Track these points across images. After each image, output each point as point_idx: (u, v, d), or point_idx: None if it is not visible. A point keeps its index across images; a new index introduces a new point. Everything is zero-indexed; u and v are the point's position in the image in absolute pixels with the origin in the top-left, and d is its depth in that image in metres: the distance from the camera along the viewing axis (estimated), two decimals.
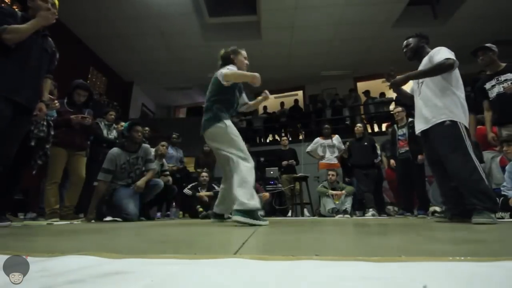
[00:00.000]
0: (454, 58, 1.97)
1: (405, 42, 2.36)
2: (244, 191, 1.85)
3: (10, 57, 1.83)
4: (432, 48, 2.17)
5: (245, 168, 1.92)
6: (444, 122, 1.97)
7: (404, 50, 2.35)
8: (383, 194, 5.04)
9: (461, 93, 2.04)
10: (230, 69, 2.10)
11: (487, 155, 3.24)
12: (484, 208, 1.76)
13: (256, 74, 2.01)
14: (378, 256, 0.55)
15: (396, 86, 2.20)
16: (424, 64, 2.16)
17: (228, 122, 2.07)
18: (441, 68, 1.97)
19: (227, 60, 2.25)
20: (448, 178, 2.04)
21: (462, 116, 1.98)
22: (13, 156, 1.95)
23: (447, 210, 2.18)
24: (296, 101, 8.93)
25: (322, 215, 4.38)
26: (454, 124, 1.95)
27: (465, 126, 1.97)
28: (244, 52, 2.32)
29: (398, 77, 2.14)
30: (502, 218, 2.63)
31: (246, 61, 2.31)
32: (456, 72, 2.04)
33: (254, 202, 1.84)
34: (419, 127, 2.18)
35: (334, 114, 8.32)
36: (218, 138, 2.07)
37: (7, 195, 2.19)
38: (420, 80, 2.16)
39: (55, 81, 3.02)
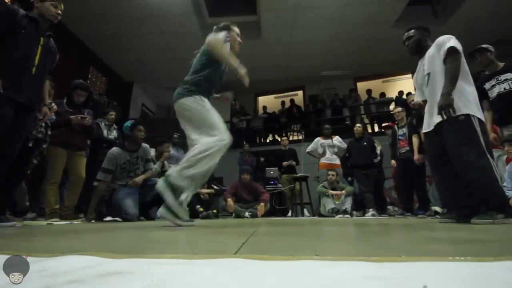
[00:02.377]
0: (460, 47, 1.90)
1: (405, 34, 2.23)
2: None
3: (12, 57, 1.83)
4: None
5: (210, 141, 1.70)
6: (458, 116, 1.84)
7: (406, 44, 2.21)
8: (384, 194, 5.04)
9: (471, 86, 1.94)
10: (219, 37, 1.81)
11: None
12: (490, 208, 1.73)
13: (243, 70, 1.82)
14: (378, 256, 0.55)
15: (449, 107, 1.83)
16: (430, 55, 2.04)
17: (206, 101, 1.84)
18: (455, 70, 1.87)
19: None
20: (450, 177, 1.97)
21: (475, 109, 1.87)
22: (16, 156, 1.96)
23: (452, 210, 2.13)
24: (292, 101, 8.94)
25: (322, 215, 4.39)
26: (467, 118, 1.84)
27: (479, 120, 1.85)
28: (236, 29, 2.09)
29: (442, 102, 1.85)
30: None
31: (239, 39, 2.09)
32: (464, 66, 1.95)
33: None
34: (426, 127, 2.07)
35: (334, 114, 8.33)
36: (187, 112, 1.82)
37: (7, 196, 2.20)
38: (426, 72, 2.06)
39: (53, 81, 3.02)
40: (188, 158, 1.69)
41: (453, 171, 1.94)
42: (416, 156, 3.55)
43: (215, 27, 2.09)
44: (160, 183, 1.68)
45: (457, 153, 1.85)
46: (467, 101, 1.88)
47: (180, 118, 1.89)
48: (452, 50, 1.89)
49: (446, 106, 1.82)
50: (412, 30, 2.19)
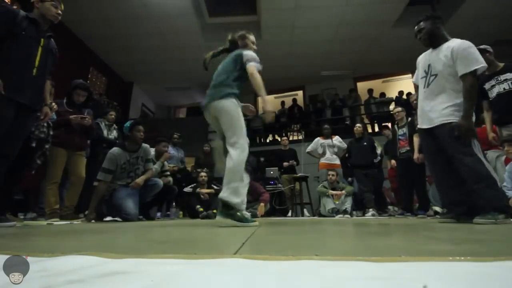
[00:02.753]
0: (484, 64, 1.87)
1: (416, 27, 2.13)
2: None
3: (13, 58, 1.84)
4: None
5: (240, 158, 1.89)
6: (451, 123, 1.90)
7: (418, 37, 2.12)
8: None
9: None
10: (257, 66, 2.07)
11: (491, 154, 3.18)
12: (492, 208, 1.74)
13: (270, 106, 2.04)
14: (378, 256, 0.55)
15: (473, 133, 1.87)
16: (447, 57, 1.95)
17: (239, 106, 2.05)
18: (475, 92, 1.86)
19: (234, 45, 2.26)
20: (446, 174, 2.00)
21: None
22: (15, 156, 1.96)
23: (451, 210, 2.14)
24: (294, 100, 8.93)
25: (322, 215, 4.39)
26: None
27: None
28: (252, 37, 2.27)
29: (464, 126, 1.83)
30: None
31: (254, 46, 2.26)
32: None
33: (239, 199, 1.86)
34: (424, 124, 2.07)
35: (334, 114, 8.33)
36: (225, 113, 1.99)
37: (7, 196, 2.20)
38: (433, 72, 2.02)
39: (53, 81, 3.03)
40: (227, 179, 1.91)
41: (448, 168, 1.97)
42: (416, 155, 3.54)
43: (229, 36, 2.31)
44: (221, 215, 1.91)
45: (457, 161, 1.88)
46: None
47: (218, 118, 2.02)
48: (473, 72, 1.86)
49: (469, 129, 1.83)
50: (422, 22, 2.09)
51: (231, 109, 1.96)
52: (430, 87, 2.03)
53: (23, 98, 1.87)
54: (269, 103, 2.04)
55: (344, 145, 4.93)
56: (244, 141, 1.96)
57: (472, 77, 1.86)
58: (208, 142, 5.90)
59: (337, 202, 4.29)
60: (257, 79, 2.03)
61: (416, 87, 2.27)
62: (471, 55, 1.88)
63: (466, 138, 1.85)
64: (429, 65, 2.07)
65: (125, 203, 2.88)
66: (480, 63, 1.87)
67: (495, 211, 1.74)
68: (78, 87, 3.12)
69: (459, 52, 1.91)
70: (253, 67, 2.04)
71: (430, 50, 2.14)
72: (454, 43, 1.97)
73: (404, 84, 8.54)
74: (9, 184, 2.11)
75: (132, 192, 3.02)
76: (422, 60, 2.17)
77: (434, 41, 2.07)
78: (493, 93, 2.69)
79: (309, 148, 5.15)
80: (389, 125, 6.01)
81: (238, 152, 1.89)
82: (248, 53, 2.09)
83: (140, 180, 3.06)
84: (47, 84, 2.16)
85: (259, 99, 2.42)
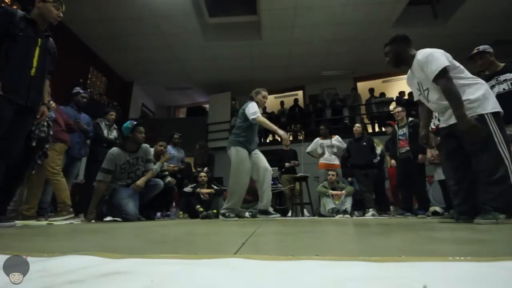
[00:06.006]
0: (446, 62, 1.84)
1: (384, 49, 2.18)
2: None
3: (11, 59, 1.83)
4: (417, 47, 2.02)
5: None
6: (472, 118, 1.81)
7: (387, 61, 2.17)
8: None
9: (472, 82, 1.89)
10: (257, 112, 2.86)
11: None
12: (494, 208, 1.72)
13: (281, 132, 2.93)
14: (378, 256, 0.55)
15: (474, 127, 1.77)
16: (417, 74, 2.00)
17: (242, 151, 2.88)
18: (452, 91, 1.81)
19: (251, 99, 3.03)
20: (462, 173, 1.98)
21: (486, 104, 1.83)
22: (16, 156, 1.96)
23: (455, 208, 2.12)
24: (296, 100, 8.94)
25: (322, 215, 4.38)
26: (482, 118, 1.79)
27: (493, 115, 1.80)
28: (264, 93, 3.08)
29: (464, 126, 1.77)
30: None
31: (264, 99, 3.08)
32: (460, 68, 1.92)
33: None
34: (443, 123, 2.04)
35: (334, 114, 8.33)
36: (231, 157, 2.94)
37: (8, 196, 2.20)
38: (424, 87, 2.02)
39: (53, 81, 3.02)
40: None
41: (465, 167, 1.94)
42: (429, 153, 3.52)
43: (253, 92, 3.13)
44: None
45: (474, 157, 1.85)
46: (477, 100, 1.84)
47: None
48: (439, 75, 1.83)
49: (471, 127, 1.76)
50: (387, 47, 2.14)
51: (232, 157, 2.87)
52: (431, 100, 2.02)
53: (22, 99, 1.87)
54: (280, 130, 2.91)
55: (344, 145, 4.92)
56: (242, 182, 2.85)
57: (442, 79, 1.83)
58: (200, 142, 5.89)
59: (337, 202, 4.29)
60: (266, 123, 2.87)
61: (420, 103, 2.25)
62: (430, 60, 1.87)
63: (474, 137, 1.79)
64: (418, 83, 2.08)
65: (125, 203, 2.88)
66: (441, 65, 1.82)
67: (496, 211, 1.73)
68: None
69: (420, 64, 1.94)
70: (258, 118, 2.83)
71: (410, 70, 2.15)
72: (416, 58, 1.99)
73: (404, 84, 8.46)
74: (10, 184, 2.11)
75: (132, 193, 3.02)
76: (411, 81, 2.18)
77: (401, 62, 2.11)
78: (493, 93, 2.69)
79: (308, 149, 5.14)
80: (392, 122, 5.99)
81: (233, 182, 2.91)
82: (250, 108, 2.88)
83: (141, 182, 3.05)
84: (46, 83, 2.15)
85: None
